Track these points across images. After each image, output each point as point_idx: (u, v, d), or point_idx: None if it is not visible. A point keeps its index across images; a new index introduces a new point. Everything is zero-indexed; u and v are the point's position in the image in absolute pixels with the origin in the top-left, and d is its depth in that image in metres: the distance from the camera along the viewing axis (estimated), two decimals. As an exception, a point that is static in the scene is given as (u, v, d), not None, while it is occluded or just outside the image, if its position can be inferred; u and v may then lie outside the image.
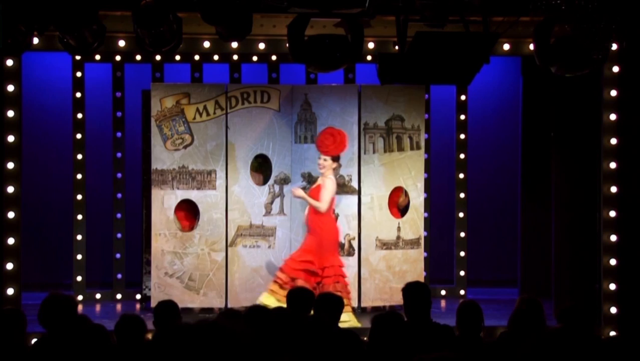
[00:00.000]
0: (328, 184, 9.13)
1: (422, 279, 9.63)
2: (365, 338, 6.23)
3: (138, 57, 10.27)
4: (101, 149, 10.79)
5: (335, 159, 9.25)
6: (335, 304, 6.18)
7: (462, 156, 11.10)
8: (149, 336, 5.95)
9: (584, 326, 5.89)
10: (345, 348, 5.83)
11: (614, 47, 8.14)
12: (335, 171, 9.29)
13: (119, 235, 10.70)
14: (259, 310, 5.71)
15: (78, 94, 10.59)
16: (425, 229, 10.26)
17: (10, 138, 8.69)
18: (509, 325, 5.91)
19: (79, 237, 10.61)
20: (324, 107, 9.73)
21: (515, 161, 11.04)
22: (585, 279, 9.24)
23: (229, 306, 9.42)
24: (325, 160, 9.19)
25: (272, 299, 8.78)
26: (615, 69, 8.95)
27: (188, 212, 9.64)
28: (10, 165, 8.69)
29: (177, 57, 10.18)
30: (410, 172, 9.85)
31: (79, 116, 10.61)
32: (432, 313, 5.93)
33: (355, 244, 9.67)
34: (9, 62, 8.72)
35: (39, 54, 10.00)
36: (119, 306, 10.41)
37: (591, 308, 8.84)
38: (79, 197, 10.62)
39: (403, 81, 8.89)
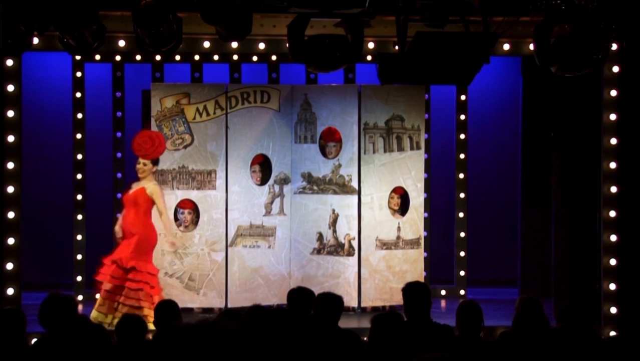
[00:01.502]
0: (157, 190, 8.89)
1: (422, 279, 9.63)
2: (365, 338, 6.23)
3: (138, 57, 10.27)
4: (101, 149, 10.78)
5: (155, 162, 8.97)
6: (335, 304, 6.18)
7: (462, 156, 11.10)
8: (150, 336, 5.95)
9: (584, 326, 5.89)
10: (345, 348, 5.83)
11: (614, 47, 8.13)
12: (155, 175, 9.04)
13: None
14: (259, 310, 5.70)
15: (78, 94, 10.59)
16: (425, 229, 10.26)
17: (10, 138, 8.69)
18: (513, 327, 5.91)
19: (79, 237, 10.61)
20: (324, 107, 9.74)
21: (515, 161, 11.04)
22: (585, 279, 9.24)
23: (229, 306, 9.42)
24: (145, 164, 8.89)
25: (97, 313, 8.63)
26: (615, 69, 8.95)
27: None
28: (10, 165, 8.69)
29: (177, 57, 10.17)
30: (410, 172, 9.85)
31: (79, 116, 10.61)
32: (432, 313, 5.94)
33: (355, 244, 9.67)
34: (9, 62, 8.72)
35: (39, 54, 9.99)
36: (119, 306, 10.39)
37: (591, 308, 8.84)
38: (79, 197, 10.62)
39: (403, 81, 8.90)
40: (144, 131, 9.22)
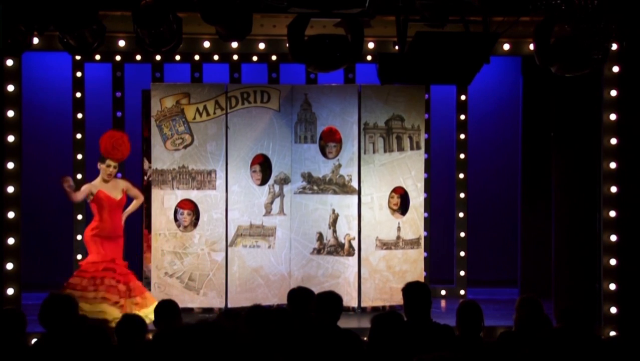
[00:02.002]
0: (127, 183, 9.19)
1: (422, 279, 9.63)
2: (365, 338, 6.23)
3: (138, 57, 10.27)
4: (101, 149, 10.78)
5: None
6: (335, 303, 6.17)
7: (462, 156, 11.10)
8: (150, 336, 5.95)
9: (583, 326, 5.89)
10: (345, 348, 5.83)
11: (614, 47, 8.13)
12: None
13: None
14: (259, 310, 5.71)
15: (78, 94, 10.59)
16: (425, 229, 10.26)
17: (10, 138, 8.69)
18: (515, 328, 5.91)
19: (79, 237, 10.59)
20: (324, 107, 9.74)
21: (515, 161, 11.04)
22: (585, 279, 9.24)
23: (229, 306, 9.43)
24: (115, 167, 9.01)
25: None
26: (615, 69, 8.95)
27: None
28: (10, 165, 8.69)
29: (177, 57, 10.18)
30: (410, 172, 9.85)
31: (79, 116, 10.61)
32: (432, 313, 5.94)
33: (355, 244, 9.67)
34: (9, 62, 8.72)
35: (39, 54, 9.99)
36: (119, 306, 10.40)
37: (591, 308, 8.85)
38: (79, 197, 10.62)
39: (403, 81, 8.90)
40: (113, 132, 9.21)
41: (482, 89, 11.09)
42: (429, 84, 10.12)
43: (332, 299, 6.19)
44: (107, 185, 8.98)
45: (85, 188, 9.05)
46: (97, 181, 9.04)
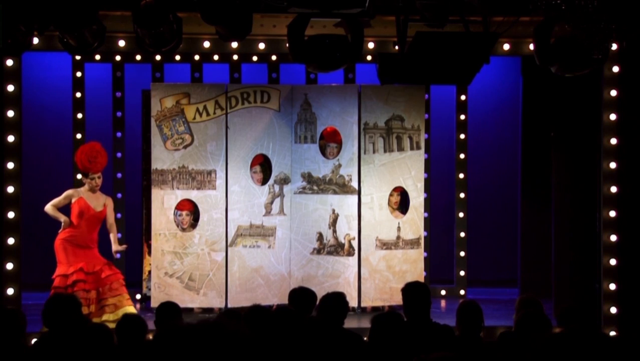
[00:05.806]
0: (112, 203, 9.21)
1: (422, 279, 9.63)
2: (365, 338, 6.23)
3: (138, 57, 10.27)
4: (101, 150, 10.77)
5: None
6: (341, 304, 6.15)
7: (462, 156, 11.10)
8: (150, 336, 5.96)
9: (583, 326, 5.88)
10: (348, 350, 5.83)
11: (614, 47, 8.13)
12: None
13: (119, 235, 10.68)
14: (259, 310, 5.71)
15: (78, 94, 10.58)
16: (425, 229, 10.26)
17: (10, 138, 8.69)
18: (515, 328, 5.90)
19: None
20: (324, 107, 9.74)
21: (515, 161, 11.04)
22: (585, 279, 9.24)
23: (229, 306, 9.43)
24: (99, 177, 9.00)
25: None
26: (615, 69, 8.95)
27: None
28: (10, 165, 8.69)
29: (177, 57, 10.17)
30: (410, 172, 9.85)
31: (79, 116, 10.61)
32: (432, 313, 5.94)
33: (355, 244, 9.67)
34: (9, 62, 8.72)
35: (39, 54, 9.99)
36: (119, 306, 10.39)
37: (591, 308, 8.85)
38: (79, 197, 10.61)
39: (403, 81, 8.90)
40: (84, 147, 9.09)
41: (482, 89, 11.09)
42: (429, 84, 10.12)
43: (338, 300, 6.15)
44: (91, 195, 8.98)
45: (68, 192, 9.01)
46: (83, 189, 9.05)
